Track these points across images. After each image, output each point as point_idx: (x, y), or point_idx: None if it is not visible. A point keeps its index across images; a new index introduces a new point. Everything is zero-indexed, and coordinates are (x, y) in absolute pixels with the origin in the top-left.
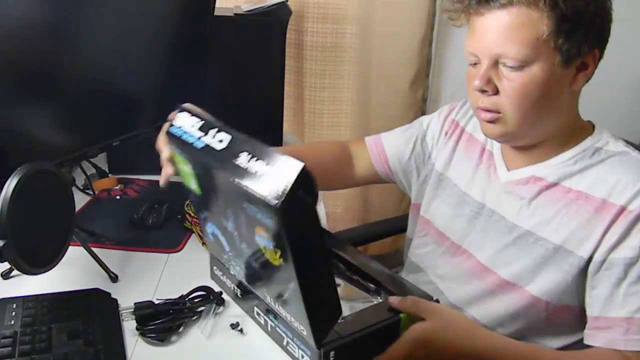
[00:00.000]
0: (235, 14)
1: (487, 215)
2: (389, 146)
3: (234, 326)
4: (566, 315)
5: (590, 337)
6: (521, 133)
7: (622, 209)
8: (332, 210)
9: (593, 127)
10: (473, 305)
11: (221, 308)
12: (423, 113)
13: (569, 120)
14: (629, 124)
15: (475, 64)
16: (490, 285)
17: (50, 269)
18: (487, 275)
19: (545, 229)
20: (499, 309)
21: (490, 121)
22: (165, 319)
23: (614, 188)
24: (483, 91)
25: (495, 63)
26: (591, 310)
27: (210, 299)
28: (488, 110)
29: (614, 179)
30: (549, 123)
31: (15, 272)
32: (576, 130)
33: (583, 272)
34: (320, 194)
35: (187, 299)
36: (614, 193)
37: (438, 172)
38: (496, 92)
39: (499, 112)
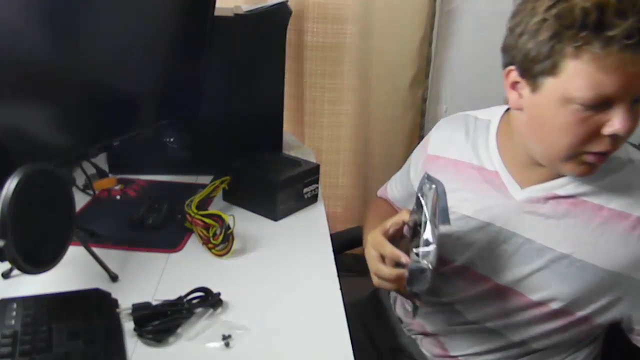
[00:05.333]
0: (235, 14)
1: (506, 237)
2: (395, 198)
3: (225, 337)
4: (594, 330)
5: None
6: None
7: None
8: (332, 210)
9: None
10: (496, 321)
11: (219, 309)
12: (423, 113)
13: None
14: None
15: (595, 105)
16: (520, 306)
17: (51, 268)
18: (514, 298)
19: (583, 250)
20: (529, 326)
21: (599, 163)
22: (163, 320)
23: None
24: (623, 136)
25: (632, 102)
26: None
27: (208, 300)
28: (605, 154)
29: None
30: None
31: (15, 272)
32: None
33: (636, 292)
34: (320, 194)
35: (185, 299)
36: None
37: None
38: None
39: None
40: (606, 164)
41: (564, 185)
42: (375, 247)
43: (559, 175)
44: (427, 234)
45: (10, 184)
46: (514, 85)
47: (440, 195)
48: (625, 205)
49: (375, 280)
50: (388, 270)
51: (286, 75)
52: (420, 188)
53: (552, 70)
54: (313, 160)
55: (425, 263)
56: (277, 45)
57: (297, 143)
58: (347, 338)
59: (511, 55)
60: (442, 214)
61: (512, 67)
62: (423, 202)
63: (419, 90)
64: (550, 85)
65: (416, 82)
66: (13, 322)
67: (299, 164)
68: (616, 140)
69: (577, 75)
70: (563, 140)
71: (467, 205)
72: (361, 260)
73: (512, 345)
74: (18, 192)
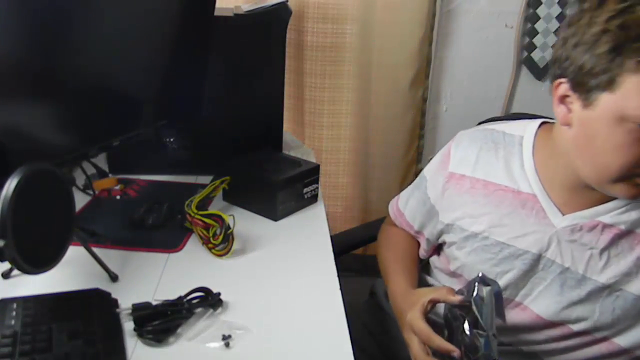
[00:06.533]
0: (235, 14)
1: (544, 266)
2: (410, 217)
3: (225, 337)
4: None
5: None
6: None
7: None
8: (332, 210)
9: None
10: (533, 346)
11: (219, 309)
12: (423, 113)
13: None
14: None
15: None
16: (558, 335)
17: (51, 268)
18: (553, 327)
19: (622, 280)
20: (566, 353)
21: None
22: (163, 320)
23: None
24: None
25: None
26: None
27: (208, 300)
28: None
29: None
30: None
31: (15, 272)
32: None
33: None
34: (320, 194)
35: (185, 300)
36: None
37: (458, 227)
38: None
39: None
40: None
41: (609, 212)
42: (421, 336)
43: (603, 201)
44: (487, 347)
45: (10, 184)
46: (562, 99)
47: (497, 297)
48: None
49: None
50: None
51: (286, 75)
52: (472, 290)
53: (609, 84)
54: (313, 160)
55: None
56: (277, 45)
57: (297, 143)
58: (347, 338)
59: (563, 67)
60: (498, 312)
61: (562, 80)
62: (476, 310)
63: (419, 90)
64: (605, 101)
65: (416, 82)
66: (13, 322)
67: (299, 164)
68: None
69: (637, 92)
70: (615, 161)
71: (502, 231)
72: (361, 260)
73: (534, 355)
74: (18, 192)
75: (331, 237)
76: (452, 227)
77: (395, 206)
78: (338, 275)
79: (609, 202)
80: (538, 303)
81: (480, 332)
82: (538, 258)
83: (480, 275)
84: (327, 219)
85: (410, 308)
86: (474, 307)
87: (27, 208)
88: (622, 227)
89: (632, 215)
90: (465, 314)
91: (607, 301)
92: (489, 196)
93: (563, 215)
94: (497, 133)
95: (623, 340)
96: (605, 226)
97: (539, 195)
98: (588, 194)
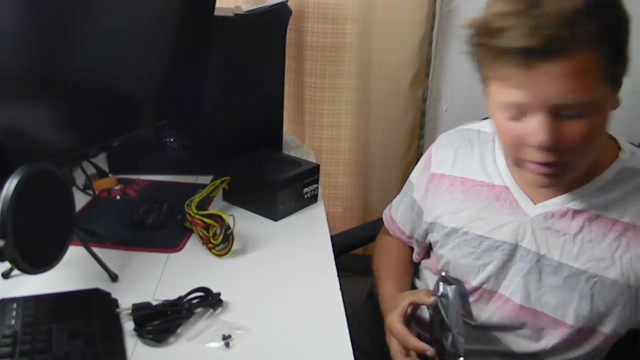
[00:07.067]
0: (235, 14)
1: (522, 255)
2: (402, 224)
3: (225, 337)
4: (595, 342)
5: None
6: (579, 173)
7: None
8: (332, 210)
9: (614, 139)
10: (513, 332)
11: (219, 309)
12: (423, 113)
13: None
14: (629, 124)
15: (518, 115)
16: (539, 325)
17: (51, 268)
18: (534, 316)
19: (596, 265)
20: (545, 339)
21: (551, 174)
22: (163, 320)
23: None
24: (547, 147)
25: (553, 113)
26: None
27: (208, 300)
28: (548, 164)
29: None
30: (597, 151)
31: (15, 272)
32: (604, 150)
33: None
34: (320, 194)
35: (185, 299)
36: None
37: (440, 225)
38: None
39: (560, 164)
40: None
41: (577, 199)
42: (399, 338)
43: (571, 188)
44: (453, 345)
45: (10, 184)
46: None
47: (462, 296)
48: (635, 217)
49: None
50: None
51: (286, 75)
52: (437, 290)
53: (484, 77)
54: (313, 160)
55: None
56: (277, 45)
57: (297, 143)
58: (347, 338)
59: None
60: (467, 313)
61: None
62: (442, 309)
63: (419, 90)
64: (490, 90)
65: (416, 82)
66: (13, 322)
67: (299, 164)
68: (556, 155)
69: (496, 85)
70: (504, 145)
71: (480, 225)
72: (361, 260)
73: (525, 355)
74: (18, 192)
75: (331, 237)
76: (435, 226)
77: (388, 214)
78: (338, 275)
79: (576, 189)
80: (519, 293)
81: (446, 331)
82: (515, 248)
83: (443, 274)
84: (327, 219)
85: (392, 311)
86: (439, 306)
87: (27, 208)
88: (592, 212)
89: (600, 200)
90: (437, 314)
91: (585, 287)
92: (466, 192)
93: (535, 204)
94: (472, 132)
95: (605, 328)
96: (576, 212)
97: (510, 187)
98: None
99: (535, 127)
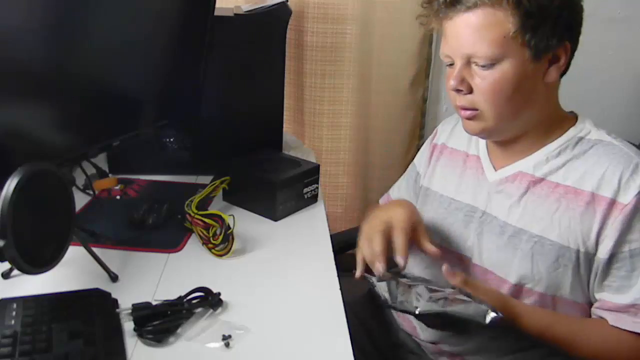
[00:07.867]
0: (235, 14)
1: (479, 217)
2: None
3: (225, 337)
4: (573, 312)
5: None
6: (500, 128)
7: (613, 202)
8: (332, 210)
9: (576, 117)
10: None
11: (219, 309)
12: (423, 113)
13: (548, 112)
14: (629, 124)
15: (450, 64)
16: (492, 285)
17: (51, 268)
18: (486, 276)
19: (537, 226)
20: None
21: (469, 118)
22: (163, 320)
23: (601, 180)
24: (458, 90)
25: (468, 63)
26: (602, 297)
27: (208, 300)
28: (465, 109)
29: (600, 171)
30: (527, 116)
31: (15, 272)
32: (557, 121)
33: (586, 267)
34: (320, 194)
35: (185, 299)
36: (602, 185)
37: (424, 187)
38: (471, 90)
39: (476, 109)
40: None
41: (528, 165)
42: (372, 245)
43: (525, 155)
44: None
45: (10, 184)
46: None
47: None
48: (580, 182)
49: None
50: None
51: (286, 75)
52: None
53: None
54: (313, 160)
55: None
56: (277, 45)
57: (297, 143)
58: (347, 338)
59: None
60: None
61: None
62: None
63: (419, 90)
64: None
65: (416, 82)
66: (13, 322)
67: (299, 164)
68: (470, 100)
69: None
70: (448, 94)
71: (451, 189)
72: None
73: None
74: (18, 192)
75: (331, 236)
76: (426, 190)
77: (386, 197)
78: (338, 275)
79: (529, 156)
80: (475, 253)
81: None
82: (474, 210)
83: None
84: (327, 219)
85: (383, 220)
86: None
87: (27, 208)
88: (536, 174)
89: (547, 165)
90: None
91: (526, 247)
92: (452, 160)
93: (496, 171)
94: None
95: (540, 288)
96: (523, 176)
97: (481, 155)
98: (511, 148)
99: (451, 73)
